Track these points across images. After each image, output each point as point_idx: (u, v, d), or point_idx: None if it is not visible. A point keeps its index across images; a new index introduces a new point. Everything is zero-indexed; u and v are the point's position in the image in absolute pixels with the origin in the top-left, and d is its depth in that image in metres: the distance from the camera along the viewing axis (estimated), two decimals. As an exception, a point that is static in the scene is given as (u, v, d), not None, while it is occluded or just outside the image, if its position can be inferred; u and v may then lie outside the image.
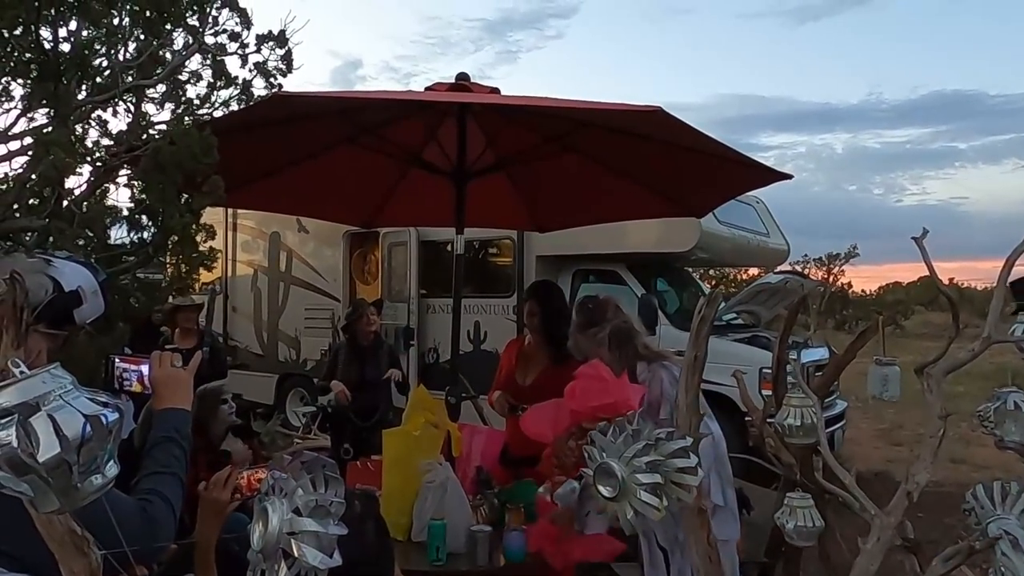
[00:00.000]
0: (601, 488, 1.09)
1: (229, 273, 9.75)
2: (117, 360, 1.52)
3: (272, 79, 3.13)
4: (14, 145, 2.44)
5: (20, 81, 2.50)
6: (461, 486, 2.89)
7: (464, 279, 3.87)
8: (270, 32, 3.08)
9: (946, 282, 1.86)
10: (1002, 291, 1.61)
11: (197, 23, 2.88)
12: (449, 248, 4.80)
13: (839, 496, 1.61)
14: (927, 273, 1.71)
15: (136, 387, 1.52)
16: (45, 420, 0.68)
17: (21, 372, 0.70)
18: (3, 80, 2.43)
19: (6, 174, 2.37)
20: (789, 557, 2.75)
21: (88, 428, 0.69)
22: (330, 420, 5.63)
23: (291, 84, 3.14)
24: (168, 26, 2.82)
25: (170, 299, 4.90)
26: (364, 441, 4.98)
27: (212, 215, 4.54)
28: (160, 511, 1.35)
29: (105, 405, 0.73)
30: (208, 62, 2.96)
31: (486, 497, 3.03)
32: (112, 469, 0.74)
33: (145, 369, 1.51)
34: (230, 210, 9.02)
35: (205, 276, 7.47)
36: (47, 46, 2.48)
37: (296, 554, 0.92)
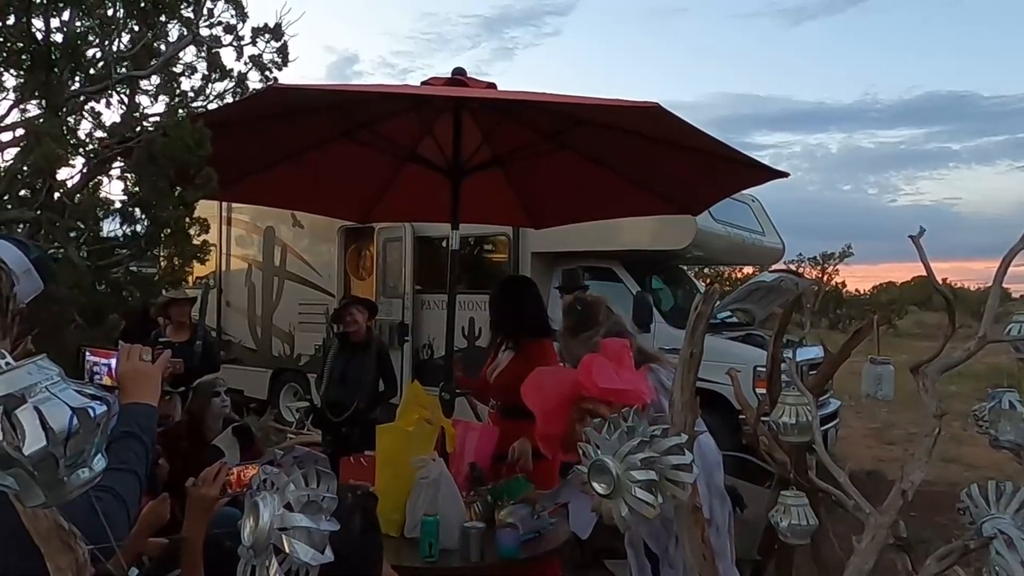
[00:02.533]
0: (595, 485, 1.09)
1: (223, 267, 9.71)
2: (88, 353, 1.49)
3: (267, 72, 3.11)
4: (6, 136, 2.43)
5: (12, 71, 2.49)
6: (454, 482, 2.88)
7: (459, 275, 3.87)
8: (265, 25, 3.07)
9: (940, 282, 1.86)
10: (998, 291, 1.60)
11: (192, 15, 2.86)
12: (444, 244, 4.80)
13: (832, 495, 1.60)
14: (921, 273, 1.71)
15: (106, 380, 1.48)
16: (31, 412, 0.67)
17: (6, 363, 0.69)
18: (-5, 70, 2.41)
19: (-3, 165, 2.35)
20: (782, 555, 2.75)
21: (75, 421, 0.68)
22: (314, 416, 5.64)
23: (286, 78, 3.14)
24: (163, 17, 2.80)
25: (164, 292, 4.89)
26: (342, 437, 4.99)
27: (206, 209, 4.50)
28: (111, 508, 1.28)
29: (93, 397, 0.71)
30: (203, 54, 2.95)
31: (479, 494, 3.02)
32: (100, 463, 0.72)
33: (114, 363, 1.48)
34: (224, 204, 8.98)
35: (198, 270, 7.46)
36: (40, 36, 2.46)
37: (287, 550, 0.91)
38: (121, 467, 1.34)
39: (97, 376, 1.49)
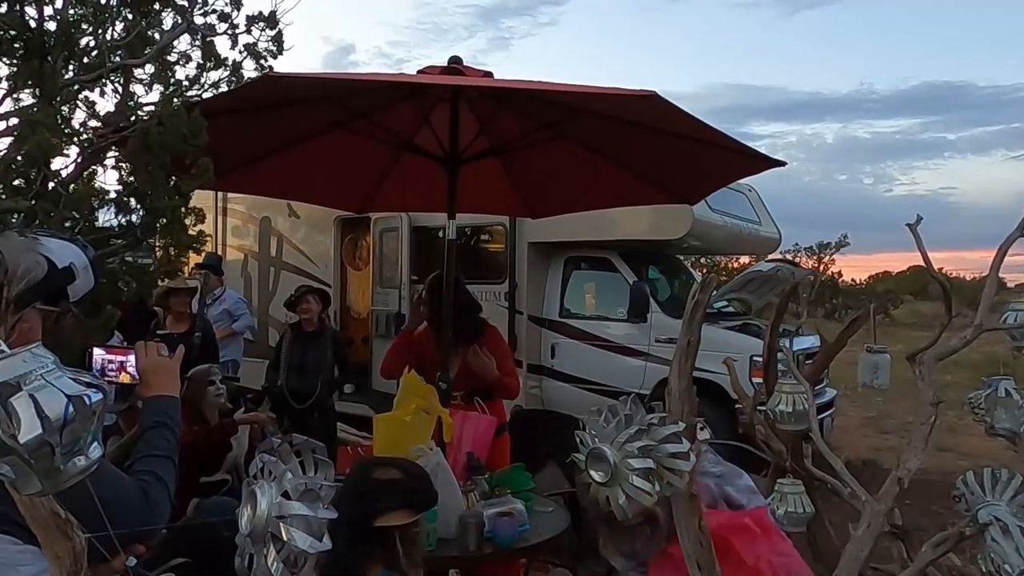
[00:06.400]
0: (593, 473, 1.09)
1: (219, 258, 9.69)
2: (96, 351, 1.52)
3: (262, 61, 3.09)
4: (0, 125, 2.41)
5: (5, 60, 2.46)
6: (452, 472, 2.88)
7: (456, 265, 3.85)
8: (260, 13, 3.04)
9: (936, 271, 1.86)
10: (995, 280, 1.61)
11: (186, 3, 2.84)
12: (441, 234, 4.79)
13: (828, 483, 1.61)
14: (917, 262, 1.72)
15: (124, 378, 1.52)
16: (27, 400, 0.66)
17: (2, 352, 0.68)
18: (-12, 58, 2.39)
19: (-9, 154, 2.33)
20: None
21: (71, 409, 0.68)
22: (272, 402, 5.74)
23: (282, 67, 3.11)
24: (157, 5, 2.78)
25: (161, 282, 4.87)
26: (303, 423, 5.09)
27: (202, 199, 4.48)
28: (157, 492, 1.40)
29: (88, 386, 0.71)
30: (197, 43, 2.92)
31: (476, 483, 3.03)
32: (96, 451, 0.72)
33: (131, 359, 1.53)
34: (220, 194, 8.95)
35: (194, 260, 7.48)
36: (33, 24, 2.44)
37: (285, 538, 0.91)
38: (159, 453, 1.46)
39: (111, 373, 1.52)
